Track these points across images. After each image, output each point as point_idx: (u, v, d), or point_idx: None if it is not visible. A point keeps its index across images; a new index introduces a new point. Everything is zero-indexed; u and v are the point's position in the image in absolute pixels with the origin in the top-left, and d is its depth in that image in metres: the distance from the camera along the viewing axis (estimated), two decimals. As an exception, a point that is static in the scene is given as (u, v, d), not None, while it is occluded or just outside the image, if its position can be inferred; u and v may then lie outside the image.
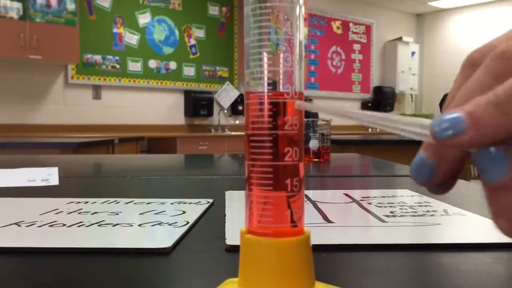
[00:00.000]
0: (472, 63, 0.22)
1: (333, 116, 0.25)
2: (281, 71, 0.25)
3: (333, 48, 6.82)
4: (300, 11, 0.26)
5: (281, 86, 0.25)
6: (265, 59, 0.25)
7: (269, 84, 0.25)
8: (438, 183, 0.23)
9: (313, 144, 1.21)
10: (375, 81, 7.32)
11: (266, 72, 0.25)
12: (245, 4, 0.26)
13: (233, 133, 5.27)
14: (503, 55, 0.20)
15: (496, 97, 0.18)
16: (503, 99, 0.18)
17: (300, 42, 0.26)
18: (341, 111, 0.24)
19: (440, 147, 0.21)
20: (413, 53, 7.52)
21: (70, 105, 4.64)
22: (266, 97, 0.25)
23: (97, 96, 4.80)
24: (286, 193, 0.25)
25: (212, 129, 5.44)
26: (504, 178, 0.19)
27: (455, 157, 0.22)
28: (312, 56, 6.54)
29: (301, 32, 0.26)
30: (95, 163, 1.41)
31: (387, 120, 0.21)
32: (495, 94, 0.19)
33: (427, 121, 0.20)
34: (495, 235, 0.42)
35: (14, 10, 3.95)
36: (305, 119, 1.24)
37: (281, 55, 0.25)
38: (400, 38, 7.35)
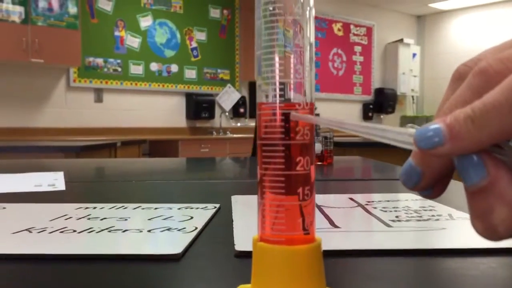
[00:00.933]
0: (458, 77, 0.24)
1: (328, 126, 0.26)
2: (292, 82, 0.25)
3: (334, 50, 6.82)
4: (310, 21, 0.26)
5: (292, 97, 0.26)
6: (277, 71, 0.25)
7: (280, 96, 0.25)
8: (425, 188, 0.24)
9: (317, 147, 1.21)
10: (376, 83, 7.33)
11: (278, 84, 0.25)
12: (256, 15, 0.26)
13: (234, 135, 5.28)
14: (484, 71, 0.21)
15: (473, 112, 0.20)
16: (479, 114, 0.20)
17: (311, 48, 0.26)
18: (334, 122, 0.25)
19: (425, 155, 0.23)
20: (414, 54, 7.52)
21: (72, 108, 4.65)
22: (278, 107, 0.25)
23: (99, 99, 4.81)
24: (298, 201, 0.25)
25: (214, 132, 5.44)
26: (482, 182, 0.20)
27: (440, 164, 0.23)
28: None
29: (312, 44, 0.26)
30: (99, 167, 1.42)
31: (376, 130, 0.23)
32: (472, 108, 0.20)
33: (413, 131, 0.21)
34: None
35: (16, 14, 3.97)
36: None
37: (292, 67, 0.25)
38: (401, 40, 7.36)
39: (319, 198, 0.66)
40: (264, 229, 0.26)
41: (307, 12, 0.26)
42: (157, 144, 4.72)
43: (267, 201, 0.25)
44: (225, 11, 5.63)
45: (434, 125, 0.21)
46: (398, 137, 0.22)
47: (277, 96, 0.25)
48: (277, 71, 0.25)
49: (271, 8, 0.25)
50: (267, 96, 0.26)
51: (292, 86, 0.26)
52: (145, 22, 5.06)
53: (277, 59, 0.25)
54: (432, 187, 0.24)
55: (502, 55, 0.21)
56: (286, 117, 0.25)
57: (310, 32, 0.26)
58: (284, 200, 0.25)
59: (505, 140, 0.21)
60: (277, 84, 0.25)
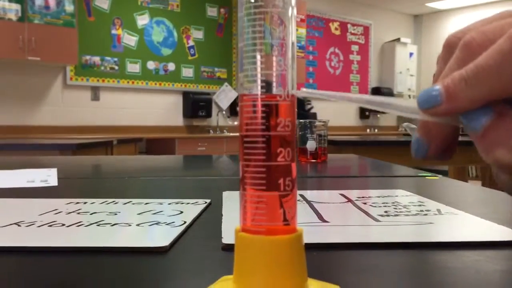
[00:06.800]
0: (448, 48, 0.26)
1: (333, 100, 0.29)
2: (274, 74, 0.26)
3: (331, 49, 6.83)
4: (293, 13, 0.26)
5: (274, 89, 0.26)
6: (259, 63, 0.26)
7: (262, 87, 0.26)
8: (435, 156, 0.27)
9: (311, 145, 1.22)
10: (373, 82, 7.34)
11: (259, 75, 0.26)
12: (239, 9, 0.27)
13: (231, 134, 5.28)
14: (468, 45, 0.23)
15: (466, 73, 0.22)
16: (471, 75, 0.22)
17: (293, 44, 0.26)
18: (340, 95, 0.28)
19: (429, 127, 0.26)
20: (411, 54, 7.54)
21: (68, 106, 4.64)
22: (259, 99, 0.26)
23: (95, 97, 4.81)
24: (279, 192, 0.25)
25: (211, 130, 5.44)
26: (490, 123, 0.22)
27: (442, 133, 0.26)
28: (311, 57, 6.55)
29: (294, 35, 0.27)
30: (94, 164, 1.42)
31: (383, 102, 0.25)
32: (465, 70, 0.22)
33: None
34: (484, 234, 0.43)
35: (13, 11, 3.96)
36: (303, 120, 1.25)
37: (274, 59, 0.26)
38: (398, 39, 7.37)
39: (310, 194, 0.67)
40: (246, 219, 0.26)
41: (289, 11, 0.26)
42: (154, 143, 4.72)
43: (248, 192, 0.26)
44: (222, 10, 5.62)
45: (434, 87, 0.23)
46: (405, 104, 0.25)
47: (259, 87, 0.26)
48: (258, 63, 0.26)
49: (253, 0, 0.26)
50: (249, 88, 0.26)
51: (274, 78, 0.26)
52: (142, 20, 5.05)
53: (259, 51, 0.26)
54: (441, 153, 0.27)
55: (485, 28, 0.23)
56: (267, 108, 0.26)
57: (292, 30, 0.26)
58: (265, 191, 0.25)
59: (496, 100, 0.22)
60: (259, 75, 0.26)
